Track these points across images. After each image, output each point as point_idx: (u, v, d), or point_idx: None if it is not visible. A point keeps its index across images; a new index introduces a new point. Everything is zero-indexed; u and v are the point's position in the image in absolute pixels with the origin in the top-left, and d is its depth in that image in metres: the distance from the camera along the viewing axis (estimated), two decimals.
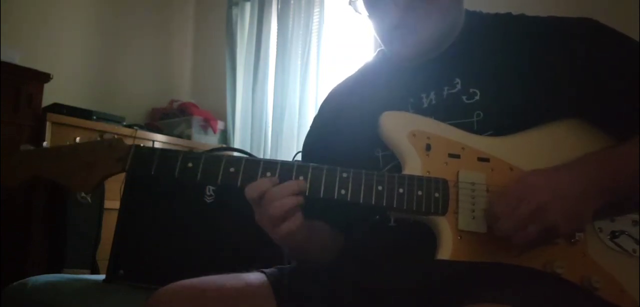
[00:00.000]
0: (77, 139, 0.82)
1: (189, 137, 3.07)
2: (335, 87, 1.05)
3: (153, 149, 0.81)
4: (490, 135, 0.79)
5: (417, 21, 0.83)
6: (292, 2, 3.04)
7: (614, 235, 0.74)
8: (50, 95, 2.43)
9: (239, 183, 0.76)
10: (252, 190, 0.74)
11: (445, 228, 0.72)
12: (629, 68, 0.77)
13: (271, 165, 0.76)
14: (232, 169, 0.76)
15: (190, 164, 0.77)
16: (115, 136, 0.82)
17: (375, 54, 1.03)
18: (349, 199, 0.74)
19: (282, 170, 0.76)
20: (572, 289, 0.69)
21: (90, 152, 0.80)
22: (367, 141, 0.87)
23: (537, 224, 0.65)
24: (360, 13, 0.90)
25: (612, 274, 0.71)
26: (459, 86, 0.84)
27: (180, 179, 0.77)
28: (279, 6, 3.09)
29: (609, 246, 0.73)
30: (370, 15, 0.88)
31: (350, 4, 0.91)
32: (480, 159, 0.76)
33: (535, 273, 0.70)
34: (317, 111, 1.06)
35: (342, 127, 0.94)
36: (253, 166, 0.76)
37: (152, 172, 0.78)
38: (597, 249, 0.73)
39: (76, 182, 0.79)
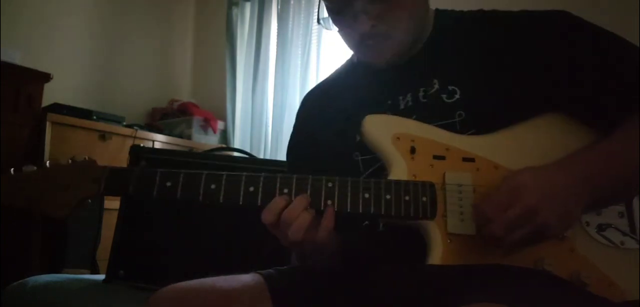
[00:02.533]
0: (47, 163, 0.77)
1: (189, 137, 3.07)
2: (309, 93, 1.04)
3: (129, 170, 0.78)
4: (473, 134, 0.78)
5: (388, 27, 0.82)
6: (292, 2, 3.04)
7: (601, 228, 0.74)
8: (50, 95, 2.43)
9: (221, 199, 0.73)
10: (269, 213, 0.71)
11: (434, 232, 0.71)
12: (605, 59, 0.77)
13: (254, 179, 0.74)
14: (213, 186, 0.74)
15: (168, 183, 0.75)
16: (87, 158, 0.78)
17: (349, 57, 1.01)
18: (336, 209, 0.72)
19: (277, 183, 0.74)
20: (564, 285, 0.69)
21: (64, 175, 0.76)
22: (345, 145, 0.86)
23: (528, 226, 0.65)
24: (330, 29, 0.89)
25: (600, 268, 0.71)
26: (436, 85, 0.83)
27: (159, 199, 0.74)
28: (279, 6, 3.09)
29: (597, 239, 0.73)
30: (341, 29, 0.87)
31: (318, 22, 0.91)
32: (466, 159, 0.75)
33: (526, 271, 0.70)
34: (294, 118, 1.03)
35: (319, 133, 0.93)
36: (236, 179, 0.74)
37: (130, 192, 0.75)
38: (585, 244, 0.72)
39: (52, 206, 0.75)
